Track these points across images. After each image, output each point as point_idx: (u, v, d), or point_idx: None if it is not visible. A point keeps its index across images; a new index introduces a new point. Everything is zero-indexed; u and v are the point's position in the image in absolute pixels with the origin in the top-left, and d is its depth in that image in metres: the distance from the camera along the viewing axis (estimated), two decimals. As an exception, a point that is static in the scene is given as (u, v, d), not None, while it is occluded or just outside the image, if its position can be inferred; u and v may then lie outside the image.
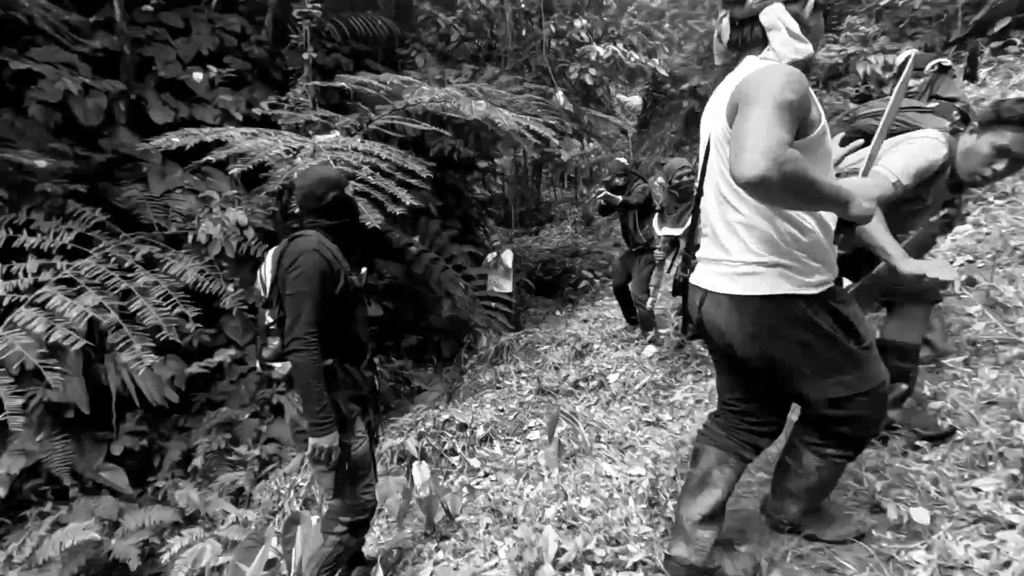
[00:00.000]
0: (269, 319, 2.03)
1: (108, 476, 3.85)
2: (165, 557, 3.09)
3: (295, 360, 1.85)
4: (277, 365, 2.03)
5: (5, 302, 3.30)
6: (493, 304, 6.43)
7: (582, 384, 4.16)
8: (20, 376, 3.23)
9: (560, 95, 6.62)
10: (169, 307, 3.75)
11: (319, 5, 5.09)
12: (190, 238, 4.35)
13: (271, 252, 2.09)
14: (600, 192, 4.65)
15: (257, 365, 2.11)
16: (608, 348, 4.76)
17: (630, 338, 4.87)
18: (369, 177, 3.57)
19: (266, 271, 2.06)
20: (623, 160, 4.85)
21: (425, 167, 4.03)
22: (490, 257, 7.13)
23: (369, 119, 4.57)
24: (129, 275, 3.79)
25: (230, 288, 4.36)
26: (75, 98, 4.38)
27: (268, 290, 2.03)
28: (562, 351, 4.95)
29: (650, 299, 4.46)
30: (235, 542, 2.95)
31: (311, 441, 1.89)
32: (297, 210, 2.08)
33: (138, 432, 4.12)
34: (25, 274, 3.46)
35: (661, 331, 4.59)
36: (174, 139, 3.38)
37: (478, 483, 3.15)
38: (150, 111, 4.90)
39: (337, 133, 4.13)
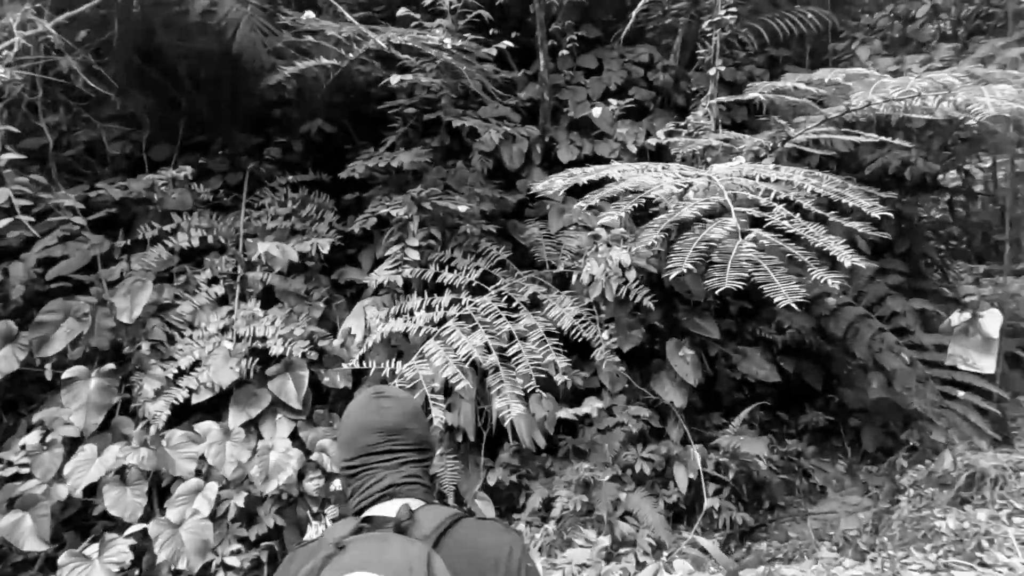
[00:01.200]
0: None
1: (480, 505, 4.01)
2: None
3: None
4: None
5: (422, 333, 3.74)
6: (960, 394, 4.25)
7: None
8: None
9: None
10: (542, 353, 3.61)
11: (735, 10, 4.29)
12: (574, 278, 4.22)
13: None
14: None
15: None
16: None
17: None
18: (786, 223, 2.54)
19: None
20: None
21: (876, 200, 2.69)
22: (956, 317, 4.86)
23: (786, 136, 3.49)
24: (514, 315, 3.85)
25: (604, 336, 4.02)
26: (504, 144, 4.87)
27: None
28: None
29: None
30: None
31: None
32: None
33: (511, 466, 4.19)
34: (440, 307, 3.88)
35: None
36: (556, 181, 3.16)
37: None
38: (559, 150, 5.09)
39: (741, 159, 3.24)
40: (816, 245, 2.54)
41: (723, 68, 4.31)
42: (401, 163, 4.18)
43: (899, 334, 4.76)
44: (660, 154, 4.74)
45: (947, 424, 4.15)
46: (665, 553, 3.47)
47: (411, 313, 3.84)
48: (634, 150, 4.62)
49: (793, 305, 2.34)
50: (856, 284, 5.02)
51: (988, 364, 4.83)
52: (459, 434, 4.06)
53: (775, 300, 2.42)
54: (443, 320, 3.74)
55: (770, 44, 5.45)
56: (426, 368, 3.45)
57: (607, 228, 4.27)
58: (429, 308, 3.91)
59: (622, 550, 3.66)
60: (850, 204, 2.66)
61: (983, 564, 2.65)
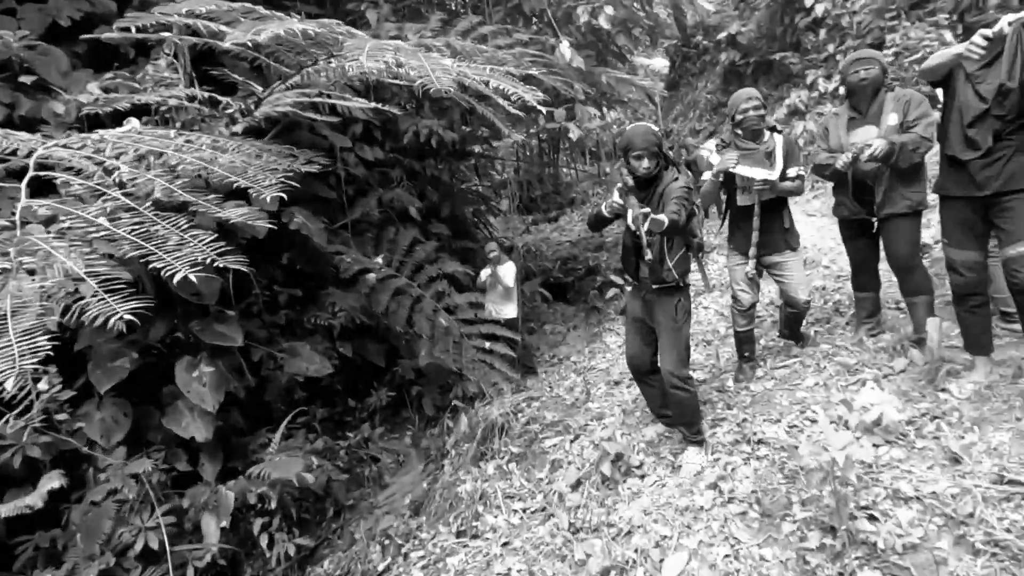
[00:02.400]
0: None
1: None
2: None
3: None
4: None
5: None
6: (487, 345, 4.66)
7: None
8: None
9: (565, 47, 4.74)
10: None
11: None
12: None
13: None
14: (616, 204, 2.42)
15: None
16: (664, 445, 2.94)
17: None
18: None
19: None
20: (652, 127, 2.91)
21: (277, 179, 2.22)
22: (484, 275, 5.36)
23: (256, 100, 2.82)
24: None
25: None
26: None
27: None
28: (582, 452, 3.10)
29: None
30: None
31: None
32: None
33: None
34: None
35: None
36: None
37: None
38: None
39: (135, 122, 2.40)
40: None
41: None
42: None
43: (440, 298, 4.93)
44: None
45: (479, 376, 4.49)
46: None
47: None
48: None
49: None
50: (397, 253, 4.97)
51: (510, 310, 5.56)
52: None
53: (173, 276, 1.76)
54: None
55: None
56: None
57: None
58: None
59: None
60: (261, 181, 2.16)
61: (475, 536, 2.72)
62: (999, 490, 1.88)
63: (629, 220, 2.26)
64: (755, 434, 2.71)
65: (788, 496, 2.24)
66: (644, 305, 2.72)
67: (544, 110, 2.52)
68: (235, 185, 2.31)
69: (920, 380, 2.65)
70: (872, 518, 1.96)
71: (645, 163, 2.48)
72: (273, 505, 3.41)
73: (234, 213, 2.17)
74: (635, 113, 16.91)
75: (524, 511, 2.80)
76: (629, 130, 2.60)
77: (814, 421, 2.67)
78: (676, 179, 2.52)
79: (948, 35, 7.41)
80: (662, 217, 2.23)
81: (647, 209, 2.18)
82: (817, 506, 2.06)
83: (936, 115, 2.64)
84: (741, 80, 12.15)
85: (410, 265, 4.98)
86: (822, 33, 9.70)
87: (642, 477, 2.67)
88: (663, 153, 2.59)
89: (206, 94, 3.12)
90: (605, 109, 7.89)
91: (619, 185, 2.49)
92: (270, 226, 2.43)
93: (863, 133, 2.82)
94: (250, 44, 2.68)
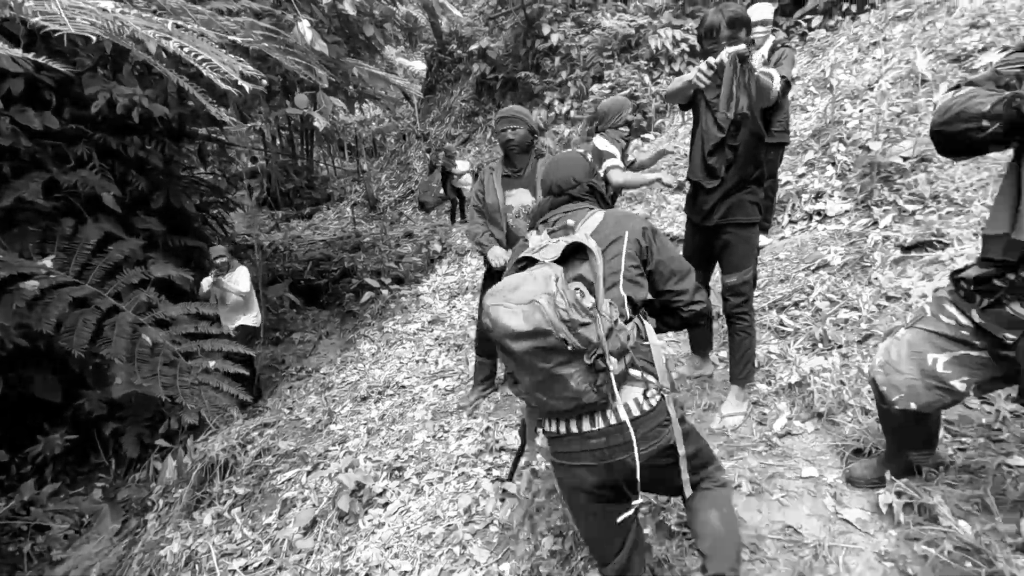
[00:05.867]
0: None
1: None
2: None
3: None
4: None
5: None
6: (211, 364, 3.90)
7: None
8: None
9: (305, 26, 4.25)
10: None
11: None
12: None
13: None
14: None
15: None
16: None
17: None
18: None
19: None
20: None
21: None
22: (205, 285, 4.53)
23: None
24: None
25: None
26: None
27: None
28: (319, 485, 2.70)
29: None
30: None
31: None
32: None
33: None
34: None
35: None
36: None
37: None
38: None
39: None
40: None
41: None
42: None
43: (146, 310, 3.97)
44: None
45: (200, 403, 3.74)
46: None
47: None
48: None
49: None
50: (79, 254, 3.85)
51: (251, 319, 4.83)
52: None
53: None
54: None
55: None
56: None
57: None
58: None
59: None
60: None
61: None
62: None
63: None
64: (496, 442, 2.74)
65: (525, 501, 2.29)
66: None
67: (248, 87, 2.10)
68: None
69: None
70: (594, 515, 2.10)
71: None
72: None
73: None
74: (394, 111, 16.71)
75: (245, 570, 2.34)
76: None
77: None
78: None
79: (647, 78, 8.97)
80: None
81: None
82: (543, 506, 2.14)
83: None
84: (492, 93, 12.93)
85: (99, 269, 3.90)
86: (557, 60, 10.88)
87: (385, 505, 2.46)
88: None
89: None
90: (357, 104, 7.44)
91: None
92: None
93: (518, 196, 2.81)
94: None
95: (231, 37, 3.72)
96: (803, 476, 2.01)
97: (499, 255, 2.72)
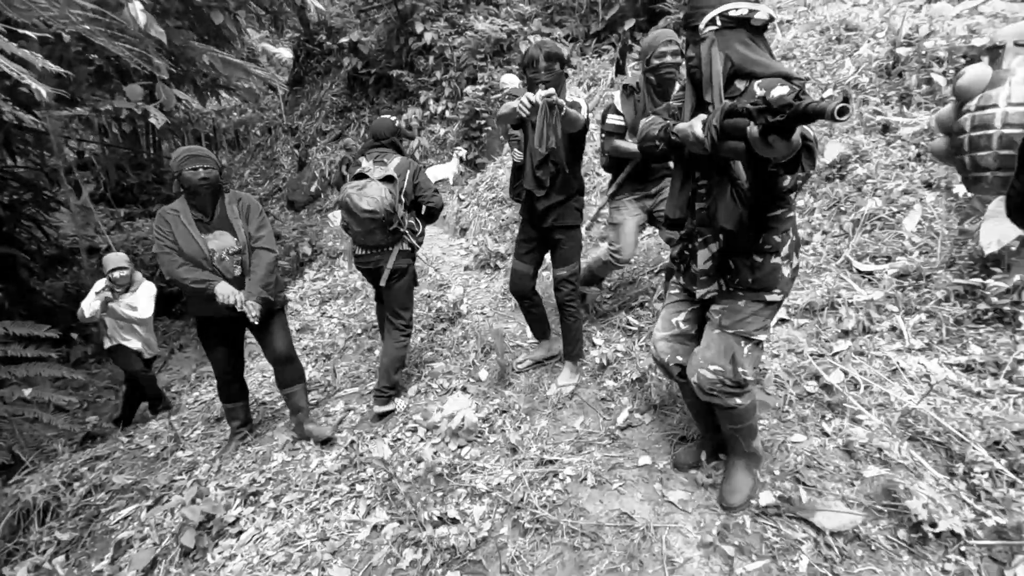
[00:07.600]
0: None
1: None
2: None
3: None
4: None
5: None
6: (27, 392, 3.39)
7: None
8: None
9: (138, 8, 3.82)
10: None
11: None
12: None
13: None
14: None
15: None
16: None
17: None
18: None
19: None
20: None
21: None
22: (87, 308, 3.92)
23: None
24: None
25: None
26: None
27: None
28: (163, 520, 2.48)
29: None
30: None
31: None
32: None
33: None
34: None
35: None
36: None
37: None
38: None
39: None
40: None
41: None
42: None
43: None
44: None
45: (12, 440, 3.24)
46: None
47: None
48: None
49: None
50: None
51: (146, 349, 4.23)
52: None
53: None
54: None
55: None
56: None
57: None
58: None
59: None
60: None
61: None
62: (540, 472, 2.34)
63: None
64: (361, 455, 2.71)
65: (389, 515, 2.30)
66: None
67: (15, 73, 1.84)
68: None
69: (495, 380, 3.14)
70: (454, 521, 2.16)
71: None
72: None
73: None
74: (257, 103, 15.55)
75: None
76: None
77: (415, 431, 2.84)
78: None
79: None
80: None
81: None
82: (405, 517, 2.17)
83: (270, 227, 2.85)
84: (365, 88, 12.53)
85: None
86: (431, 59, 10.82)
87: (238, 535, 2.33)
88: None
89: None
90: (209, 94, 6.81)
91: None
92: None
93: (219, 239, 2.68)
94: None
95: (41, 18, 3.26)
96: (639, 465, 2.24)
97: (227, 292, 2.60)
